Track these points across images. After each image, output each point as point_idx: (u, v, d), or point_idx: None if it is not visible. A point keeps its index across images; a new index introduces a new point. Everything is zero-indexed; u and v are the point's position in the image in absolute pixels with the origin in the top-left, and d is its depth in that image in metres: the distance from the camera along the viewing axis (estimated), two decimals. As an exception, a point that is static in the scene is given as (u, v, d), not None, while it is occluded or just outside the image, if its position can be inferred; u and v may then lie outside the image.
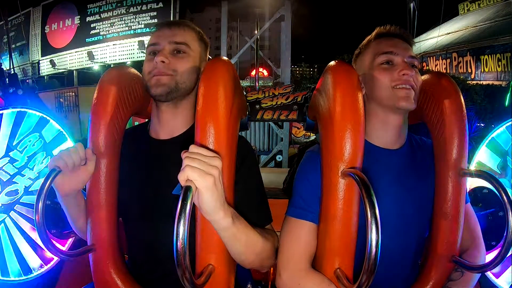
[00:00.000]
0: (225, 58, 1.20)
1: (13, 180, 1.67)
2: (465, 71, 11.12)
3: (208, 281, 1.01)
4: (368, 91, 1.26)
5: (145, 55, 1.32)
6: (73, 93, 9.88)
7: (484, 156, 1.62)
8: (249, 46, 7.73)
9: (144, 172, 1.28)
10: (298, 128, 7.56)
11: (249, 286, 1.37)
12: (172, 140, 1.28)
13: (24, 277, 1.65)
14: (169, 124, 1.29)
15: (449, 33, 12.47)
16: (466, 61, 11.15)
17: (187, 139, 1.20)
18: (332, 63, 1.20)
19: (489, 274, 1.54)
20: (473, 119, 5.12)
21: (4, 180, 1.67)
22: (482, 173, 1.14)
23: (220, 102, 1.08)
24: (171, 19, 9.98)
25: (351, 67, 1.18)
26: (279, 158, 6.25)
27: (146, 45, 1.33)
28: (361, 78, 1.26)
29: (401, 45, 1.26)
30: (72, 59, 11.86)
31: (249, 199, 1.18)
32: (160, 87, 1.21)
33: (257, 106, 1.57)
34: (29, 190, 1.67)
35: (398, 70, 1.21)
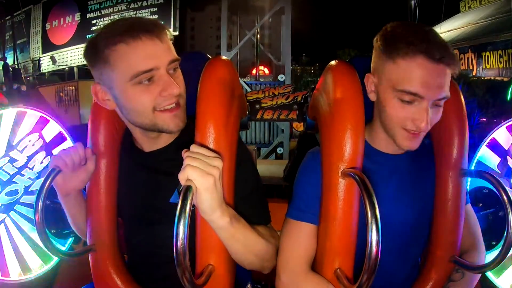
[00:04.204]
0: (224, 57, 1.20)
1: (13, 180, 1.68)
2: (466, 67, 11.07)
3: (208, 281, 1.01)
4: (377, 106, 1.15)
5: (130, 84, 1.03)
6: (74, 87, 9.77)
7: (484, 156, 1.62)
8: (250, 45, 7.70)
9: (133, 182, 1.25)
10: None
11: (248, 286, 1.37)
12: (157, 152, 1.22)
13: (24, 277, 1.65)
14: (152, 141, 1.21)
15: (450, 30, 12.43)
16: (468, 58, 11.11)
17: (172, 150, 1.19)
18: (333, 62, 1.19)
19: (489, 274, 1.54)
20: (475, 111, 5.10)
21: (4, 180, 1.68)
22: (482, 173, 1.13)
23: (220, 102, 1.08)
24: (172, 15, 9.87)
25: (352, 67, 1.17)
26: (280, 150, 6.23)
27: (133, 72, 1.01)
28: (374, 78, 1.13)
29: (435, 80, 1.00)
30: (73, 56, 11.84)
31: (248, 200, 1.17)
32: (179, 124, 1.09)
33: (257, 106, 1.57)
34: (29, 190, 1.67)
35: (416, 118, 1.04)
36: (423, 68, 1.00)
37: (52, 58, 11.93)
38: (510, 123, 1.59)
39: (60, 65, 12.19)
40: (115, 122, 1.21)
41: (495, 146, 1.61)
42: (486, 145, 1.61)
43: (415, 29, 1.05)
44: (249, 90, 6.01)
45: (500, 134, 1.61)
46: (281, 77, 6.45)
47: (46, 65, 12.66)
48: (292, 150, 6.06)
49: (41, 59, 12.84)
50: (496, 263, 1.06)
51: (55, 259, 1.66)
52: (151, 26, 1.03)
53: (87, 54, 1.08)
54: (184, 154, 0.94)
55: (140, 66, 1.01)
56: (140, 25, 1.02)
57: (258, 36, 8.10)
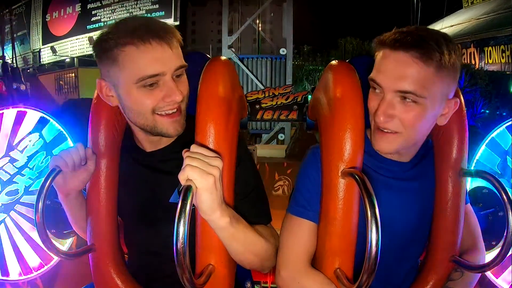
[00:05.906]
0: (224, 57, 1.20)
1: (13, 180, 1.68)
2: (469, 62, 11.04)
3: (208, 281, 1.02)
4: None
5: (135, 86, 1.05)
6: (73, 75, 9.67)
7: (484, 156, 1.62)
8: (252, 39, 7.69)
9: (134, 182, 1.25)
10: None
11: (248, 285, 1.37)
12: (158, 152, 1.23)
13: (24, 277, 1.66)
14: (154, 141, 1.22)
15: (453, 26, 12.39)
16: (470, 53, 11.07)
17: (173, 150, 1.19)
18: (333, 62, 1.19)
19: (489, 274, 1.54)
20: (479, 100, 5.09)
21: (4, 180, 1.68)
22: (482, 173, 1.13)
23: (220, 102, 1.08)
24: (172, 5, 9.76)
25: (352, 67, 1.17)
26: (281, 137, 6.27)
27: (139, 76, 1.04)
28: None
29: (394, 68, 1.00)
30: (73, 47, 11.80)
31: (248, 199, 1.17)
32: (178, 129, 1.12)
33: (257, 106, 1.57)
34: (29, 190, 1.68)
35: (376, 109, 1.05)
36: (384, 57, 1.03)
37: (52, 47, 11.88)
38: (510, 123, 1.59)
39: (60, 56, 12.14)
40: (116, 122, 1.21)
41: (495, 146, 1.61)
42: (486, 145, 1.61)
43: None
44: (246, 70, 6.00)
45: (500, 134, 1.60)
46: (282, 51, 6.43)
47: (47, 56, 12.64)
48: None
49: (41, 50, 12.82)
50: (496, 263, 1.06)
51: (55, 259, 1.67)
52: (162, 31, 1.03)
53: (96, 49, 1.09)
54: (184, 154, 0.94)
55: (147, 70, 1.02)
56: (151, 29, 1.02)
57: (260, 27, 8.09)
